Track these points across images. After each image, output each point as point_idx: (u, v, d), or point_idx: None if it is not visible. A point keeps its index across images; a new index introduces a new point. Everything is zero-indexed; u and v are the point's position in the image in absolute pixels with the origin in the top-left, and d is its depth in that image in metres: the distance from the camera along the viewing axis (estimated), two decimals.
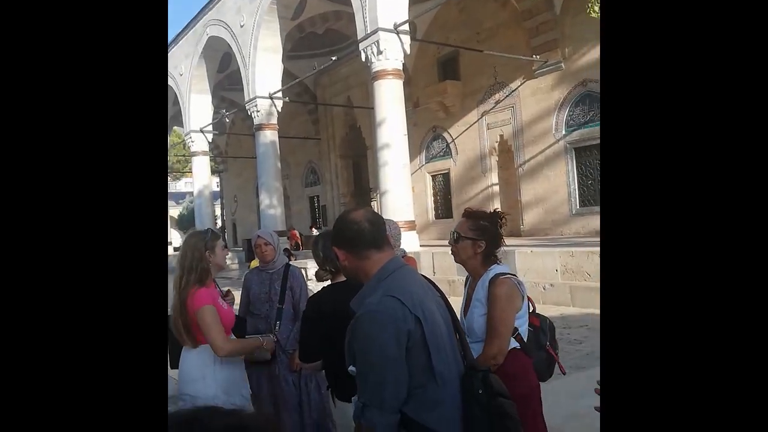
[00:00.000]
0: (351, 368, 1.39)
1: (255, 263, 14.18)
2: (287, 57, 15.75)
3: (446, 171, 16.84)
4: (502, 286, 2.00)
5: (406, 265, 1.53)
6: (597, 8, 4.25)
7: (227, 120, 19.04)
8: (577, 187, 13.39)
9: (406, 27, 10.92)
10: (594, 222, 12.93)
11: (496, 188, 15.21)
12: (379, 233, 1.50)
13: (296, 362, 2.99)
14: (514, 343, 2.02)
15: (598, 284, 7.91)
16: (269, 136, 15.37)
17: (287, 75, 16.20)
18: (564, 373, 2.38)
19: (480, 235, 2.07)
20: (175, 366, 2.70)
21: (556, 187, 13.71)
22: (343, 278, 2.12)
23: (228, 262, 20.31)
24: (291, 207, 23.10)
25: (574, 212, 13.42)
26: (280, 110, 15.32)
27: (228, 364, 2.52)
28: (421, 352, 1.34)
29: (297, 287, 3.30)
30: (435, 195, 17.52)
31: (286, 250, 13.58)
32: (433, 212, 17.45)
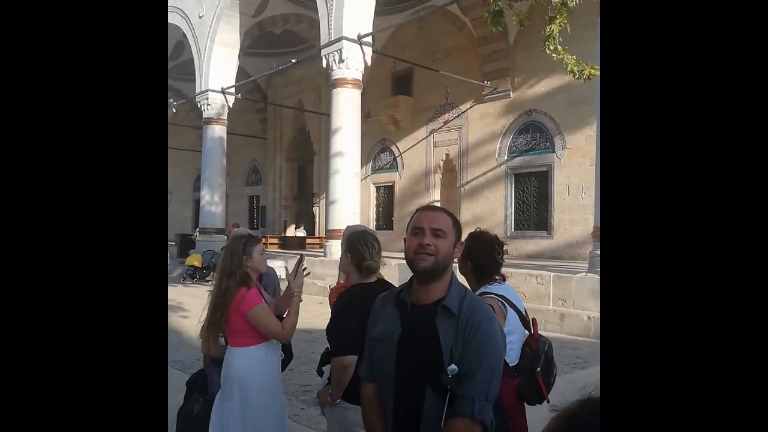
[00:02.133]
0: (452, 366, 1.43)
1: (191, 259, 13.73)
2: (242, 53, 15.61)
3: (391, 184, 17.16)
4: None
5: None
6: (552, 47, 4.62)
7: (173, 110, 18.52)
8: (513, 211, 14.02)
9: (368, 39, 11.16)
10: (526, 246, 13.60)
11: (438, 205, 15.67)
12: None
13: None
14: None
15: (533, 305, 8.27)
16: (217, 131, 15.14)
17: (240, 71, 16.03)
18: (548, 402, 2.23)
19: (466, 255, 2.15)
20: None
21: (494, 209, 14.30)
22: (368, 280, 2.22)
23: None
24: (229, 205, 22.66)
25: (508, 234, 14.02)
26: (231, 106, 15.14)
27: (263, 372, 2.60)
28: None
29: (271, 288, 3.32)
30: (378, 206, 17.78)
31: (224, 248, 13.41)
32: (375, 223, 17.69)
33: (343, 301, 2.17)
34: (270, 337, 2.60)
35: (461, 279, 1.76)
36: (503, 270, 2.29)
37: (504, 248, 2.23)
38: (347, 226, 2.78)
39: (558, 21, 4.46)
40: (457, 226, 1.59)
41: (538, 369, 2.13)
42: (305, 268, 2.76)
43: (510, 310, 2.13)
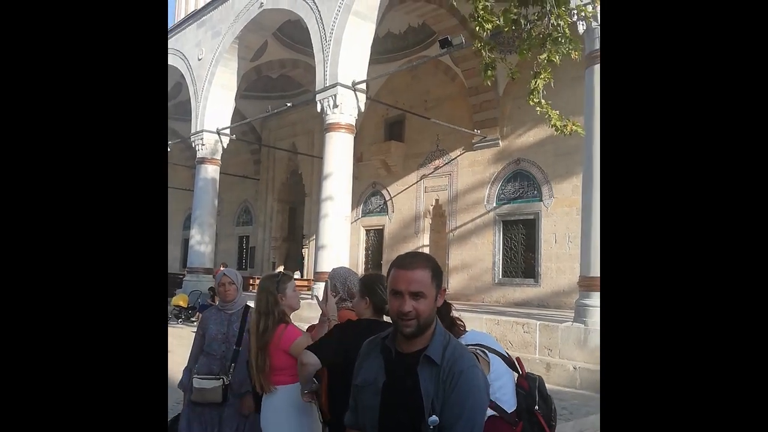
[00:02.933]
0: (433, 418, 1.41)
1: (177, 299, 13.53)
2: (239, 96, 15.92)
3: (381, 227, 17.26)
4: None
5: None
6: (537, 100, 4.82)
7: (167, 149, 18.68)
8: (501, 258, 14.11)
9: (363, 86, 11.47)
10: (513, 293, 13.63)
11: (427, 249, 15.73)
12: None
13: (246, 405, 3.08)
14: (489, 412, 1.97)
15: (520, 353, 8.26)
16: (210, 171, 15.25)
17: (236, 113, 16.30)
18: None
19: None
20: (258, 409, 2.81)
21: (482, 255, 14.38)
22: (350, 317, 2.21)
23: None
24: (219, 245, 22.58)
25: (496, 281, 14.08)
26: (225, 147, 15.33)
27: (304, 409, 2.59)
28: None
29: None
30: (367, 249, 17.82)
31: (211, 288, 13.27)
32: (363, 266, 17.69)
33: (355, 325, 2.16)
34: (284, 382, 2.60)
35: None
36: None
37: (450, 308, 2.20)
38: (333, 268, 2.81)
39: (543, 76, 4.66)
40: (438, 275, 1.55)
41: (536, 407, 2.08)
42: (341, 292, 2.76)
43: (492, 356, 2.10)
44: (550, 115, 4.71)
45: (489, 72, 4.79)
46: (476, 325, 8.46)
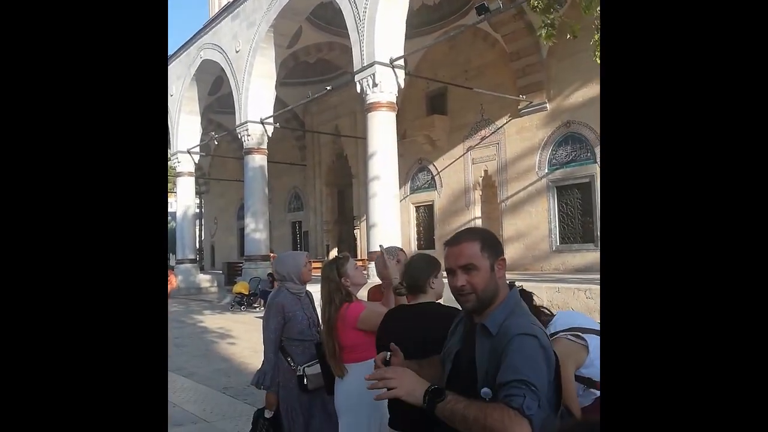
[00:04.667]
0: (485, 390, 1.36)
1: (238, 287, 13.99)
2: (279, 84, 16.03)
3: (431, 203, 17.13)
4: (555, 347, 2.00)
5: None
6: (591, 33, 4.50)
7: (215, 142, 19.11)
8: (557, 225, 13.76)
9: (401, 62, 11.29)
10: (573, 260, 13.29)
11: (479, 222, 15.52)
12: None
13: (269, 402, 3.13)
14: (595, 393, 1.94)
15: None
16: (258, 160, 15.50)
17: (277, 101, 16.45)
18: None
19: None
20: (331, 392, 2.81)
21: (537, 223, 14.06)
22: (421, 300, 2.06)
23: (207, 284, 20.11)
24: (273, 231, 23.09)
25: (554, 249, 13.76)
26: (270, 135, 15.51)
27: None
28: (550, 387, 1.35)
29: (300, 313, 3.22)
30: (418, 226, 17.76)
31: (270, 274, 13.59)
32: (416, 243, 17.66)
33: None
34: (357, 359, 2.61)
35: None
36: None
37: (532, 297, 2.08)
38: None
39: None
40: (489, 246, 1.48)
41: None
42: (394, 258, 2.77)
43: (589, 336, 1.99)
44: None
45: (550, 30, 4.56)
46: (536, 294, 8.29)
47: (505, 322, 1.41)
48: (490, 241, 1.50)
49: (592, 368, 1.95)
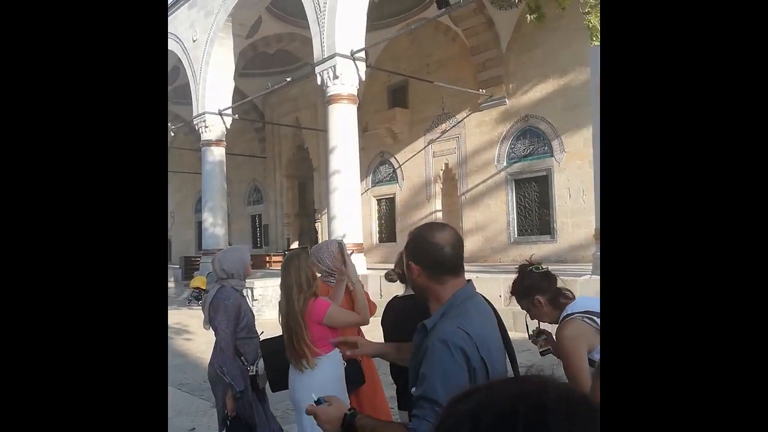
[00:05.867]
0: (414, 389, 1.37)
1: (196, 281, 13.64)
2: (237, 75, 15.74)
3: (392, 196, 17.19)
4: (564, 329, 1.95)
5: (477, 294, 1.50)
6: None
7: (171, 134, 18.64)
8: (516, 217, 14.02)
9: (362, 54, 11.25)
10: (530, 251, 13.54)
11: (440, 215, 15.67)
12: (459, 259, 1.47)
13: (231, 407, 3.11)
14: None
15: None
16: (216, 153, 15.21)
17: (236, 92, 16.16)
18: None
19: (532, 295, 2.09)
20: (277, 389, 2.83)
21: (496, 216, 14.29)
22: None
23: None
24: (231, 225, 22.72)
25: (512, 240, 14.02)
26: (228, 127, 15.24)
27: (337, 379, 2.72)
28: None
29: (223, 311, 3.07)
30: (380, 219, 17.80)
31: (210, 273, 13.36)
32: (377, 236, 17.70)
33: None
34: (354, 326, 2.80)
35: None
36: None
37: (556, 279, 2.13)
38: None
39: (594, 14, 4.50)
40: (410, 250, 1.50)
41: None
42: (351, 252, 2.89)
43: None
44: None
45: (538, 12, 4.63)
46: (493, 285, 8.44)
47: (437, 325, 1.40)
48: (412, 245, 1.50)
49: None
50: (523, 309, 2.18)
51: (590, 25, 4.36)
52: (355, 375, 2.87)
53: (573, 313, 2.00)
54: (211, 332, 3.08)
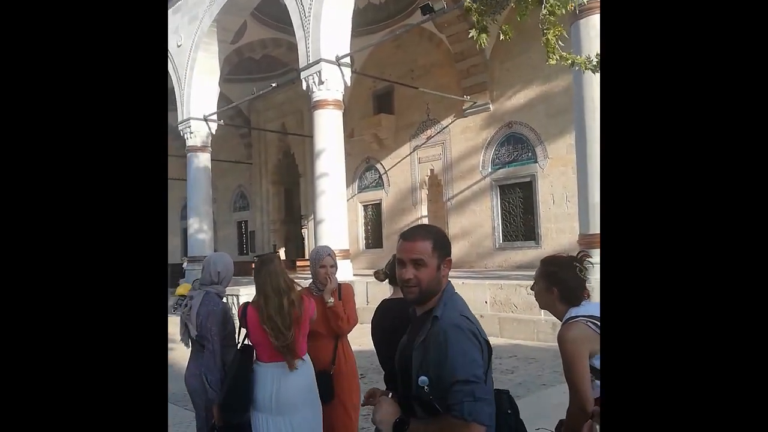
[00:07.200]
0: (422, 378, 1.43)
1: (181, 289, 13.39)
2: (223, 80, 15.68)
3: (378, 201, 17.19)
4: (567, 332, 1.95)
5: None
6: (557, 56, 4.57)
7: None
8: (500, 223, 14.09)
9: (347, 60, 11.27)
10: (515, 256, 13.65)
11: (426, 220, 15.70)
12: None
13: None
14: None
15: (525, 316, 8.30)
16: (202, 159, 15.11)
17: (222, 98, 16.08)
18: None
19: (550, 282, 2.07)
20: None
21: (481, 221, 14.36)
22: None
23: None
24: (218, 232, 22.55)
25: (497, 246, 14.09)
26: (214, 133, 15.16)
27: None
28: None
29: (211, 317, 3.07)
30: (366, 225, 17.79)
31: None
32: (364, 242, 17.68)
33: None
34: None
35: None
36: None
37: (584, 262, 2.08)
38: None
39: (552, 31, 4.48)
40: (440, 246, 1.58)
41: None
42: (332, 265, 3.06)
43: None
44: (577, 62, 4.49)
45: (483, 35, 4.62)
46: (479, 292, 8.47)
47: (443, 313, 1.52)
48: (441, 242, 1.60)
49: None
50: (532, 289, 2.21)
51: (547, 42, 4.36)
52: (324, 390, 2.87)
53: (577, 316, 1.98)
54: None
